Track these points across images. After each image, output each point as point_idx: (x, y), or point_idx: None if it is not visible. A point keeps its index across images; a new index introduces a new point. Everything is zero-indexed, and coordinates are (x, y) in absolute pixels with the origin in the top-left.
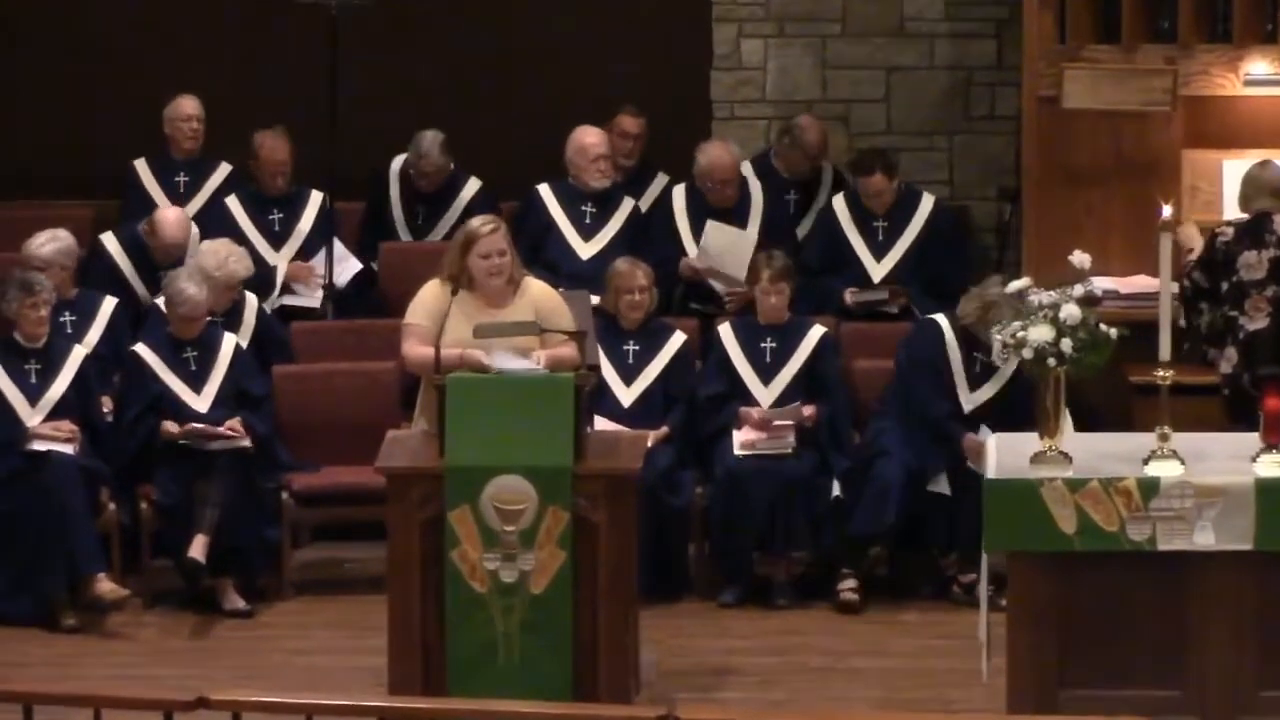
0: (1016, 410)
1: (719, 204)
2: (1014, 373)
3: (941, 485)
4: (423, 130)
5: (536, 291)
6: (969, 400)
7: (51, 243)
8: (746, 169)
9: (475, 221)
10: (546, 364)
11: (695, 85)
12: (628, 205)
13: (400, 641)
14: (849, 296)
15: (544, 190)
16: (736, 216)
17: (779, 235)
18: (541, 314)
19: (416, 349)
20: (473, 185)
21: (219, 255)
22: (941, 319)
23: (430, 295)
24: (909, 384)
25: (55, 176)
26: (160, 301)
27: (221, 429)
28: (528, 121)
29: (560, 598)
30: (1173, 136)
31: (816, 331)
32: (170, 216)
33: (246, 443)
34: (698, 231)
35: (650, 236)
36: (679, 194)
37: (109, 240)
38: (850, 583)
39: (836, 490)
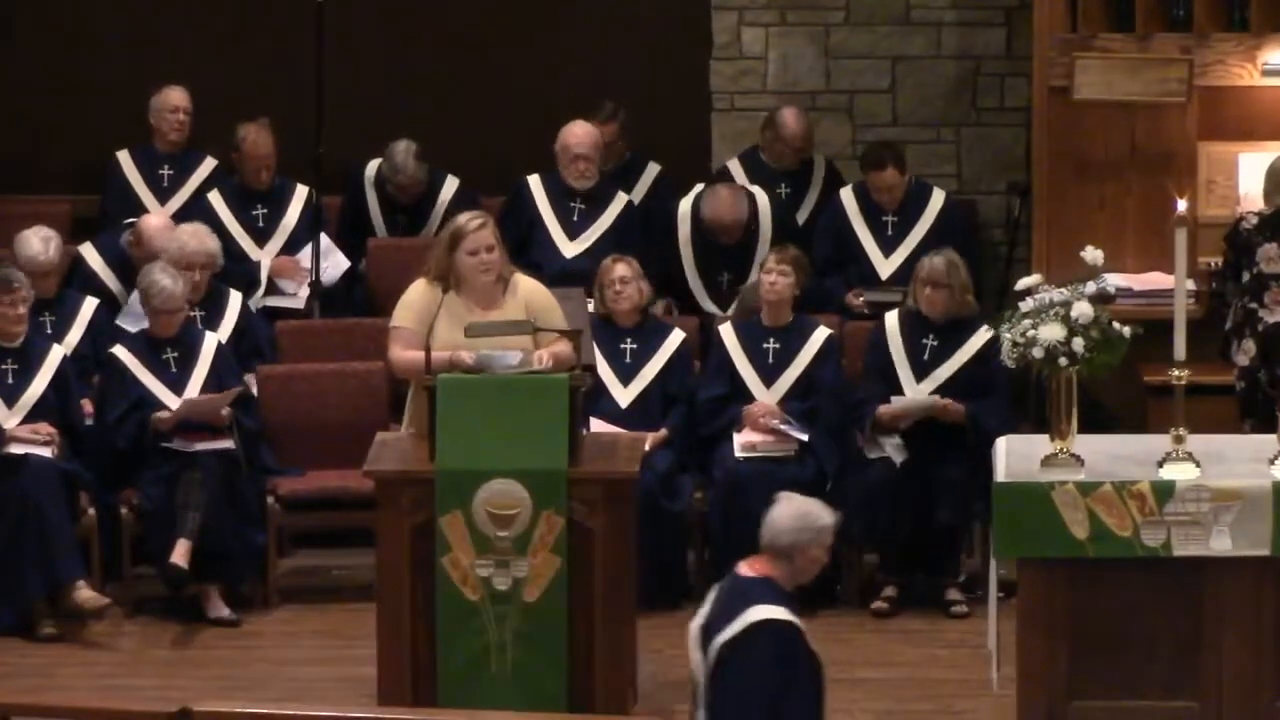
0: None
1: (727, 243)
2: (977, 353)
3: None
4: (394, 142)
5: (528, 289)
6: (916, 394)
7: (53, 242)
8: (735, 167)
9: (462, 217)
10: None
11: (694, 75)
12: (620, 201)
13: (389, 651)
14: (855, 298)
15: (533, 182)
16: (743, 251)
17: (791, 238)
18: (534, 312)
19: (404, 354)
20: (450, 185)
21: (178, 239)
22: (891, 312)
23: (417, 296)
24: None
25: (30, 170)
26: (134, 299)
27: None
28: (522, 113)
29: (555, 606)
30: (1188, 128)
31: (821, 333)
32: (155, 224)
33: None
34: (702, 253)
35: (649, 241)
36: (685, 214)
37: (89, 252)
38: (889, 591)
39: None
